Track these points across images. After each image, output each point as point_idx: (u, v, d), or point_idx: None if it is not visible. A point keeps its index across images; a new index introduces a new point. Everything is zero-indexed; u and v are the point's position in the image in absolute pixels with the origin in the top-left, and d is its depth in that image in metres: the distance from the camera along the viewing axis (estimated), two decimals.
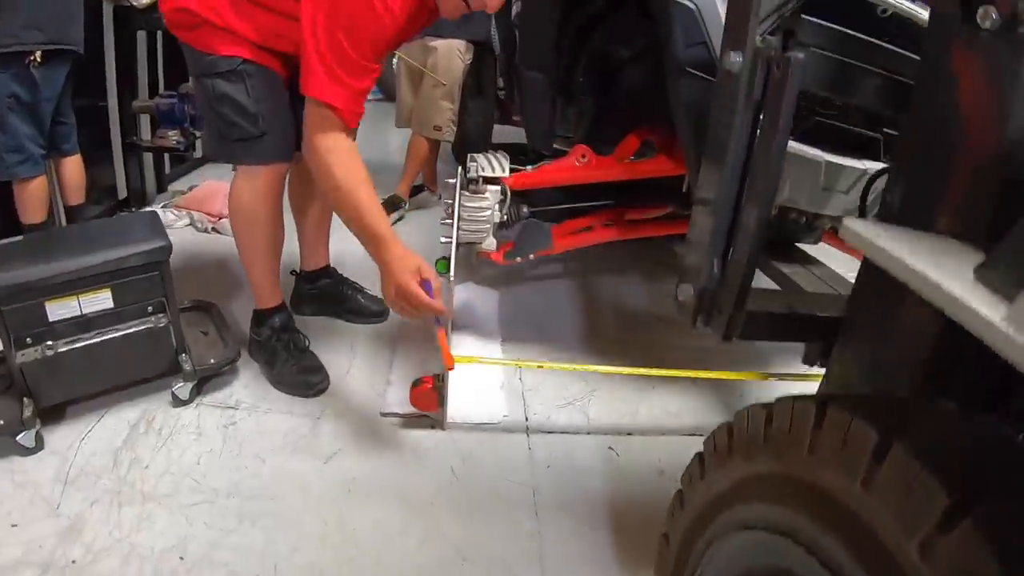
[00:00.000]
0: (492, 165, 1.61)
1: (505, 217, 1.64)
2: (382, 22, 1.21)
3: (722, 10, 1.31)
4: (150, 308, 1.40)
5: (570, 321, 2.10)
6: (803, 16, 0.81)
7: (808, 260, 1.61)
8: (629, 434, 1.61)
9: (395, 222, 2.61)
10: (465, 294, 2.09)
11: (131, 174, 2.50)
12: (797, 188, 1.34)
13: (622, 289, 2.33)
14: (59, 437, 1.38)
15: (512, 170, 1.66)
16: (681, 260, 1.07)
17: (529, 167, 1.70)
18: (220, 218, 2.41)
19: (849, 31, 0.89)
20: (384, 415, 1.54)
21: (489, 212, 1.61)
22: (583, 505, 1.38)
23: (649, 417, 1.67)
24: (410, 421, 1.53)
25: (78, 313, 1.32)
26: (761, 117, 0.86)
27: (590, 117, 2.01)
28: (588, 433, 1.59)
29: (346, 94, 1.24)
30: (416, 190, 2.89)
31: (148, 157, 2.56)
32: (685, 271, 1.05)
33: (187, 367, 1.46)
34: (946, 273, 0.52)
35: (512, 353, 1.87)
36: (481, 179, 1.59)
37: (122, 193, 2.52)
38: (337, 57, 1.20)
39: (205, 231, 2.44)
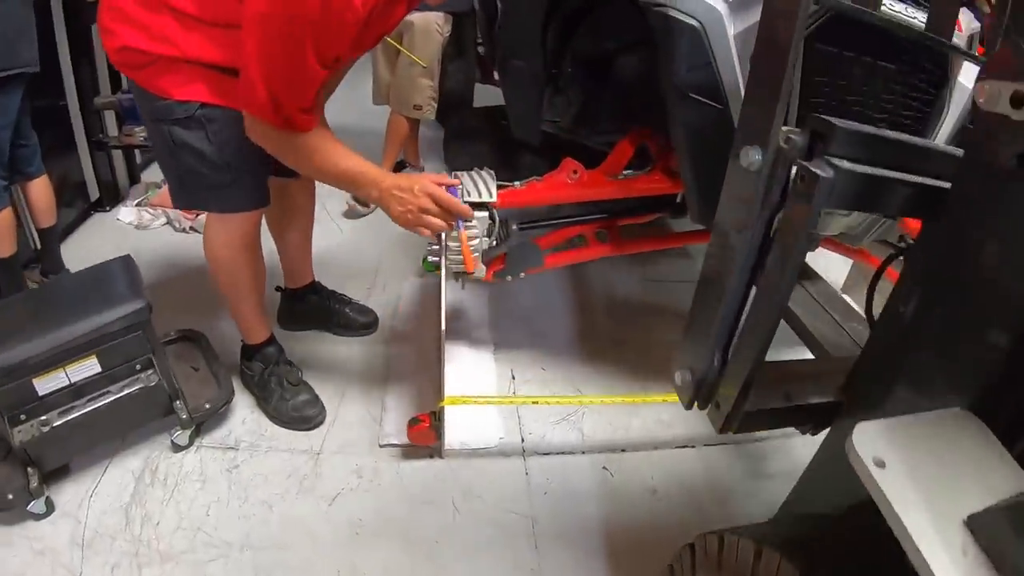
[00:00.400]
0: (478, 188, 1.55)
1: (495, 242, 1.61)
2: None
3: (731, 30, 1.23)
4: (138, 366, 1.40)
5: (562, 319, 2.11)
6: (835, 123, 0.75)
7: (803, 275, 1.60)
8: (623, 450, 1.66)
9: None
10: (454, 293, 2.08)
11: (101, 172, 2.40)
12: None
13: (613, 278, 2.32)
14: (67, 496, 1.41)
15: (499, 186, 1.61)
16: (681, 343, 1.07)
17: (517, 183, 1.64)
18: (198, 215, 2.35)
19: (885, 135, 0.83)
20: (383, 446, 1.58)
21: (477, 241, 1.57)
22: (580, 533, 1.45)
23: (642, 429, 1.72)
24: (409, 451, 1.57)
25: (67, 383, 1.31)
26: (777, 219, 0.83)
27: (578, 105, 1.93)
28: (583, 452, 1.64)
29: (290, 116, 1.14)
30: (399, 166, 2.81)
31: (118, 152, 2.45)
32: (684, 356, 1.05)
33: (183, 415, 1.48)
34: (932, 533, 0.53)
35: (504, 361, 1.90)
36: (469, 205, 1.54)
37: (93, 193, 2.43)
38: (281, 74, 1.09)
39: (183, 231, 2.38)
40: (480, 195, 1.54)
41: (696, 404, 1.05)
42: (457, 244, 1.46)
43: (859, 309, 1.51)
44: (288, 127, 1.15)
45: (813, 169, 0.73)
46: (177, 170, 1.32)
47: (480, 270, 1.60)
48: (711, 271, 0.94)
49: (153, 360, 1.41)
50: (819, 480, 1.02)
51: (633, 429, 1.72)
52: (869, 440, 0.68)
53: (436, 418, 1.50)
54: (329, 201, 2.46)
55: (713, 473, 1.65)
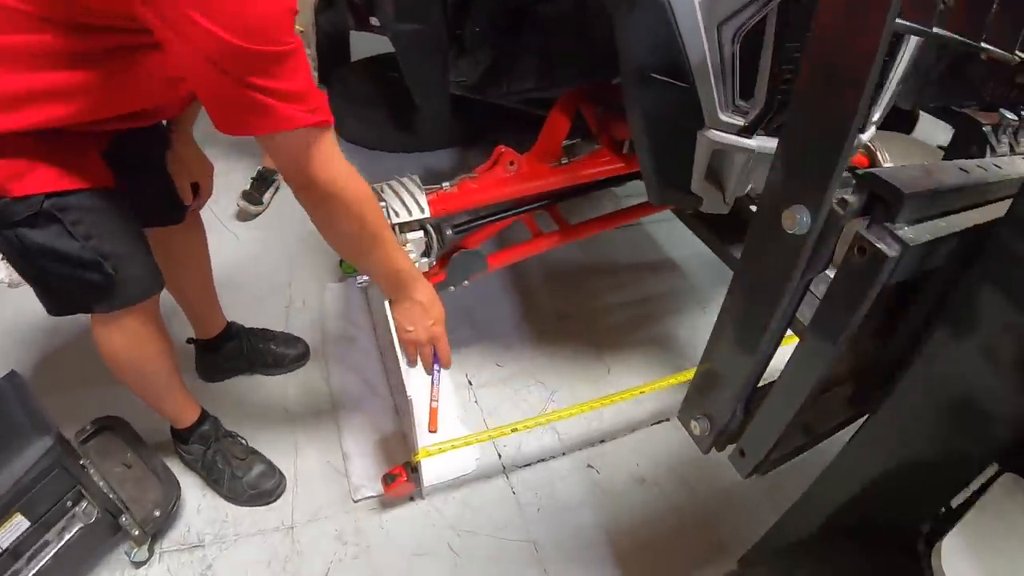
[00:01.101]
0: (406, 204, 1.35)
1: (434, 261, 1.43)
2: None
3: None
4: (69, 503, 1.14)
5: (503, 303, 1.99)
6: (901, 189, 0.65)
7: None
8: (602, 441, 1.63)
9: (273, 195, 2.23)
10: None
11: None
12: (755, 176, 1.25)
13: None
14: None
15: (427, 191, 1.41)
16: (694, 390, 1.00)
17: (446, 184, 1.45)
18: None
19: (949, 182, 0.73)
20: (357, 501, 1.43)
21: (417, 264, 1.39)
22: (583, 546, 1.42)
23: (616, 413, 1.69)
24: (386, 499, 1.44)
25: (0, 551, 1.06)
26: (822, 291, 0.74)
27: (487, 64, 1.72)
28: (564, 454, 1.59)
29: (302, 101, 0.85)
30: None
31: None
32: (698, 403, 0.98)
33: (135, 532, 1.24)
34: None
35: (457, 366, 1.77)
36: (397, 228, 1.35)
37: None
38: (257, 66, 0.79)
39: None
40: (410, 212, 1.34)
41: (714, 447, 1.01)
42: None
43: None
44: (321, 120, 0.89)
45: (877, 244, 0.64)
46: (40, 278, 1.01)
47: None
48: (737, 326, 0.86)
49: (83, 491, 1.16)
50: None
51: (606, 416, 1.69)
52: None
53: (412, 469, 1.37)
54: (216, 204, 2.12)
55: (690, 442, 1.66)
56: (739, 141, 1.16)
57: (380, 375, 1.71)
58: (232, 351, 1.61)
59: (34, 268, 0.99)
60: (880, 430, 0.84)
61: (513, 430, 1.40)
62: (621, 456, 1.61)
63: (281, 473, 1.45)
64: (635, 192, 1.60)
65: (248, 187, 2.14)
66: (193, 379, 1.62)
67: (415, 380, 1.28)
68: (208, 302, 1.53)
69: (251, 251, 2.04)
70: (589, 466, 1.58)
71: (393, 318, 1.21)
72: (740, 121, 1.15)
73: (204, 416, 1.40)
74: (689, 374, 1.66)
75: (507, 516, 1.45)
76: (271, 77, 0.80)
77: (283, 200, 2.25)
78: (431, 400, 1.27)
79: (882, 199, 0.66)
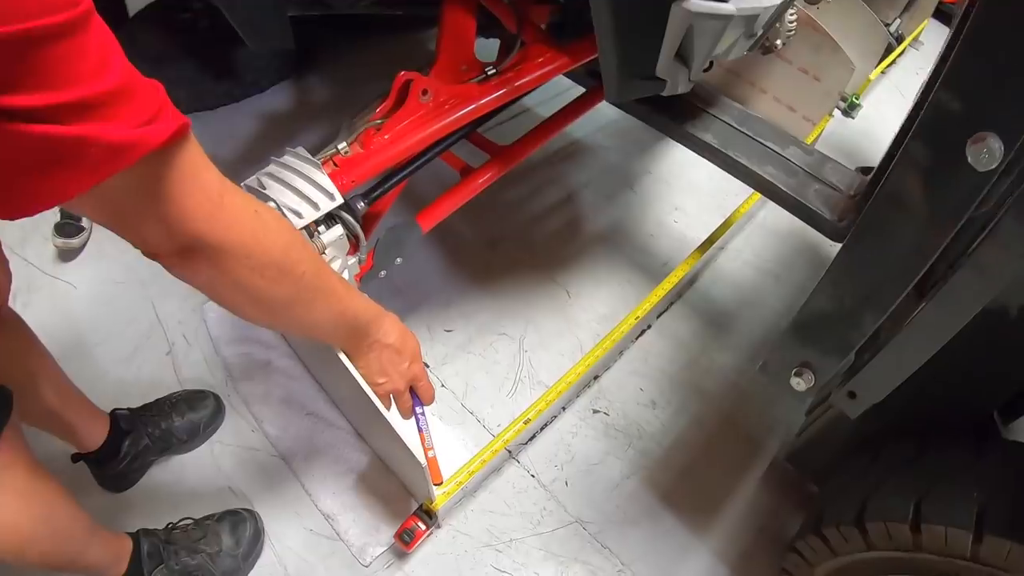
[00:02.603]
0: (306, 195, 0.96)
1: (362, 256, 1.08)
2: None
3: None
4: None
5: (418, 254, 1.66)
6: None
7: (706, 101, 1.35)
8: (596, 378, 1.46)
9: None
10: None
11: None
12: (721, 45, 1.02)
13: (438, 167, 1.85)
14: None
15: (323, 160, 1.03)
16: (792, 339, 0.83)
17: (341, 146, 1.04)
18: None
19: None
20: (369, 564, 1.17)
21: (343, 270, 1.04)
22: (627, 503, 1.29)
23: (590, 335, 1.51)
24: (399, 547, 1.18)
25: None
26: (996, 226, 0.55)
27: None
28: (564, 409, 1.41)
29: (128, 103, 0.47)
30: None
31: None
32: (804, 357, 0.83)
33: None
34: None
35: None
36: (306, 231, 0.97)
37: None
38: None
39: None
40: (317, 206, 0.97)
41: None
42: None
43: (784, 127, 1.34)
44: (175, 129, 0.51)
45: None
46: None
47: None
48: (876, 271, 0.67)
49: None
50: None
51: (583, 342, 1.51)
52: None
53: (428, 514, 1.13)
54: (28, 247, 1.54)
55: (680, 343, 1.55)
56: (718, 8, 0.90)
57: (318, 395, 1.38)
58: (132, 452, 1.18)
59: None
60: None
61: (526, 422, 1.17)
62: (621, 386, 1.45)
63: (247, 511, 1.17)
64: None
65: (58, 218, 1.55)
66: (100, 499, 1.20)
67: (401, 425, 0.99)
68: (73, 407, 1.09)
69: (98, 295, 1.49)
70: (595, 411, 1.41)
71: (361, 375, 0.89)
72: None
73: (136, 538, 1.03)
74: (674, 278, 1.51)
75: (538, 505, 1.27)
76: (52, 81, 0.41)
77: None
78: (425, 451, 0.99)
79: None
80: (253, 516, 1.16)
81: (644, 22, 0.94)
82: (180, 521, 1.12)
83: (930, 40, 2.73)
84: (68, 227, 1.52)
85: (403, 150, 1.06)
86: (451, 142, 1.20)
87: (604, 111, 2.03)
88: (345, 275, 1.06)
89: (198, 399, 1.30)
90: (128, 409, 1.22)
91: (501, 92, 1.11)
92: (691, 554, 1.24)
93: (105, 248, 1.57)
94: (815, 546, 1.01)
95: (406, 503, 1.22)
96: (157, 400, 1.28)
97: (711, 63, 1.10)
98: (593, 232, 1.76)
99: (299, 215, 0.95)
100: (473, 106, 1.09)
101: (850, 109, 2.33)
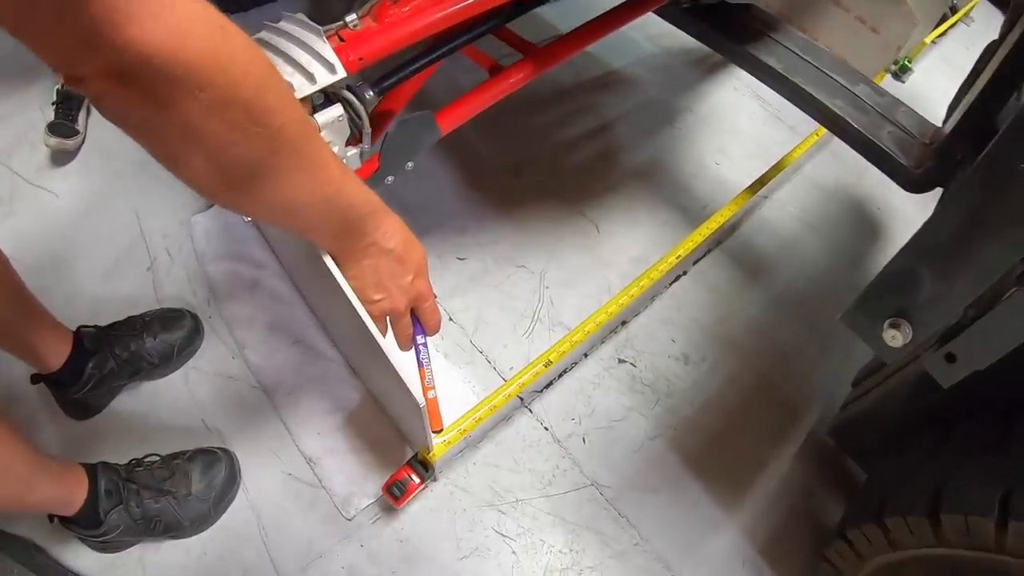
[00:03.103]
0: (303, 65, 0.77)
1: (365, 144, 0.90)
2: None
3: None
4: None
5: (433, 174, 1.47)
6: None
7: (770, 27, 1.16)
8: (624, 324, 1.30)
9: (88, 117, 1.45)
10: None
11: None
12: None
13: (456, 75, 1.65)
14: None
15: (330, 33, 0.83)
16: (891, 291, 0.66)
17: (350, 19, 0.83)
18: None
19: None
20: (353, 518, 1.03)
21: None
22: (650, 469, 1.14)
23: (620, 276, 1.35)
24: (387, 501, 1.04)
25: None
26: None
27: None
28: (586, 356, 1.25)
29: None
30: None
31: None
32: (900, 309, 0.67)
33: None
34: None
35: None
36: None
37: None
38: None
39: None
40: (315, 78, 0.78)
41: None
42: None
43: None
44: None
45: None
46: None
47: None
48: (978, 220, 0.52)
49: None
50: None
51: (611, 283, 1.34)
52: None
53: (423, 465, 0.98)
54: (14, 157, 1.36)
55: (717, 293, 1.39)
56: None
57: (310, 321, 1.23)
58: (99, 374, 1.03)
59: None
60: None
61: (546, 364, 1.01)
62: (651, 335, 1.29)
63: (223, 449, 1.03)
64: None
65: (53, 116, 1.36)
66: (61, 424, 1.06)
67: (398, 357, 0.82)
68: (33, 321, 0.93)
69: (79, 207, 1.31)
70: (621, 360, 1.25)
71: (351, 286, 0.72)
72: None
73: (93, 471, 0.89)
74: (715, 222, 1.34)
75: (550, 463, 1.12)
76: None
77: (100, 122, 1.46)
78: (424, 391, 0.82)
79: None
80: (229, 456, 1.02)
81: None
82: (145, 457, 0.98)
83: (981, 18, 2.52)
84: (64, 126, 1.34)
85: (424, 26, 0.85)
86: (483, 30, 1.01)
87: (644, 45, 1.83)
88: (355, 157, 0.88)
89: (174, 319, 1.14)
90: (95, 327, 1.06)
91: None
92: (715, 531, 1.10)
93: (93, 160, 1.38)
94: (872, 536, 0.87)
95: (400, 451, 1.07)
96: (129, 318, 1.12)
97: None
98: (629, 166, 1.57)
99: (300, 87, 0.77)
100: None
101: (901, 72, 2.10)
